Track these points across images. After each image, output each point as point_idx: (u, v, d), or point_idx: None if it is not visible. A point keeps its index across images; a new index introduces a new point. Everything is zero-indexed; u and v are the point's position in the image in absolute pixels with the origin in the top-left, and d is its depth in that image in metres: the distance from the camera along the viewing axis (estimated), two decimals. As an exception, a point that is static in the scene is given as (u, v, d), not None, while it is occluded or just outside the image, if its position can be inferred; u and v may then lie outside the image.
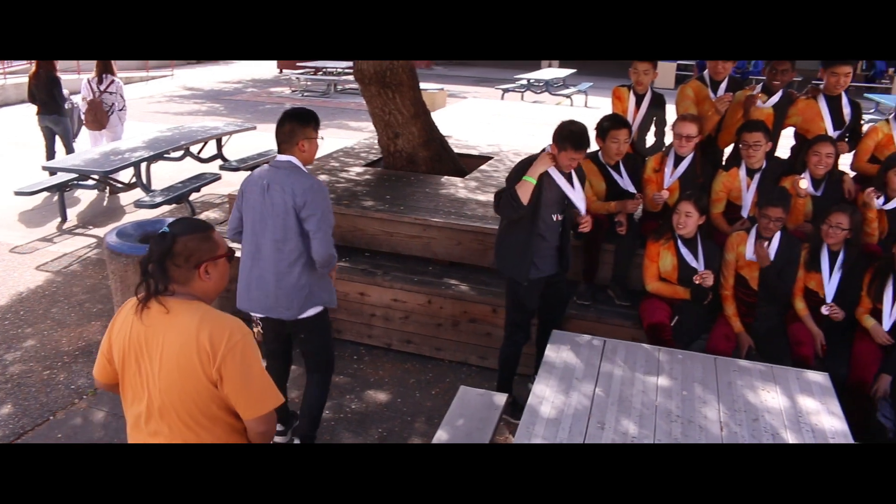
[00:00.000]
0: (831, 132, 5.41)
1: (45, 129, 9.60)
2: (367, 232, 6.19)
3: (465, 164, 7.75)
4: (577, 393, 3.61)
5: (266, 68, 24.09)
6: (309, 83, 19.45)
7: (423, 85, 14.50)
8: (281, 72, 23.18)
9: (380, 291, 5.73)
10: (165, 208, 8.55)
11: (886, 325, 4.60)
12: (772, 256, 4.67)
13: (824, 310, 4.67)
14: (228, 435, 2.51)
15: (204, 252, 2.47)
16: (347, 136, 12.02)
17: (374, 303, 5.77)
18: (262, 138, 11.32)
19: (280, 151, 3.98)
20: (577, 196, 4.55)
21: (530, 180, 4.33)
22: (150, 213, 8.16)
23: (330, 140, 12.19)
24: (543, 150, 4.47)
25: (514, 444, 3.30)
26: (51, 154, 9.67)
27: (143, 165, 8.43)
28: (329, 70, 20.20)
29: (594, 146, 5.28)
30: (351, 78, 17.24)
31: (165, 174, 9.69)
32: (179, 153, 9.31)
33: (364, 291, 5.76)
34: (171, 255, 2.42)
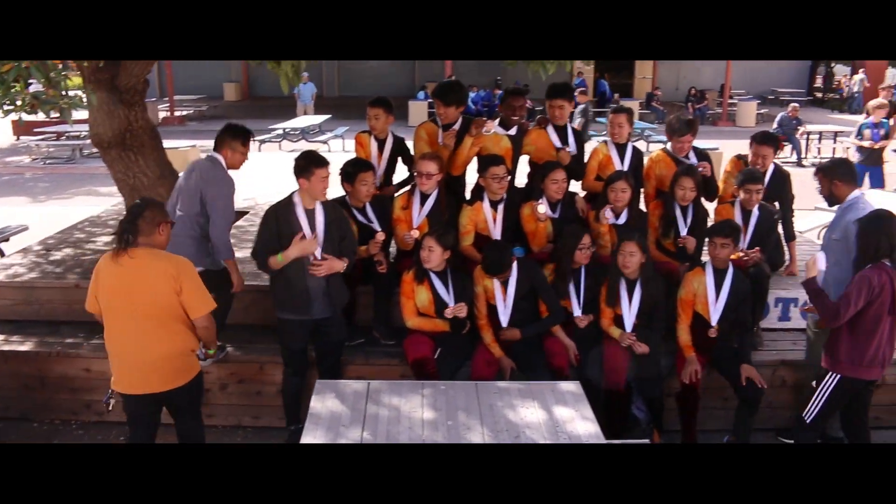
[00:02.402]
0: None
1: None
2: (120, 303, 5.86)
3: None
4: (345, 440, 3.60)
5: (1, 136, 22.19)
6: (52, 149, 18.13)
7: (174, 143, 14.11)
8: (18, 139, 21.36)
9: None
10: None
11: (629, 325, 5.03)
12: (512, 292, 4.98)
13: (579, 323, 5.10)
14: (185, 330, 3.94)
15: (161, 216, 3.98)
16: (98, 204, 11.32)
17: (136, 377, 5.45)
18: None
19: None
20: (311, 236, 4.66)
21: (281, 260, 4.61)
22: None
23: (77, 209, 11.45)
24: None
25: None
26: None
27: None
28: (73, 134, 18.94)
29: (341, 191, 5.38)
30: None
31: None
32: None
33: (123, 367, 5.43)
34: (143, 216, 3.85)
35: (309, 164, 4.60)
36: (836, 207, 4.89)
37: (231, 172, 5.01)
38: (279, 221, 4.66)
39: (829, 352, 4.48)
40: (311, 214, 4.68)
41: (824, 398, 4.49)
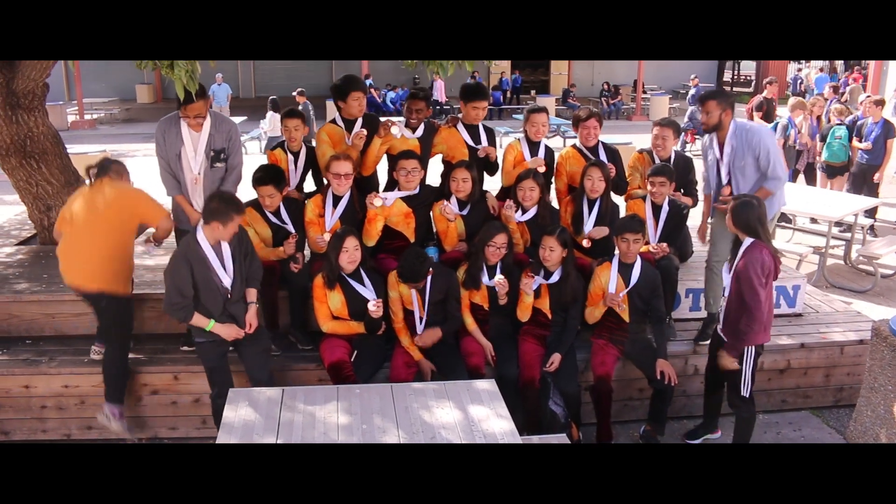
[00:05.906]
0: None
1: None
2: (25, 317, 5.69)
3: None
4: (259, 449, 3.55)
5: None
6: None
7: (84, 147, 13.62)
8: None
9: (47, 380, 5.24)
10: None
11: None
12: (427, 298, 4.98)
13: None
14: (118, 252, 4.90)
15: (125, 171, 5.05)
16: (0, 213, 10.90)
17: (43, 393, 5.26)
18: None
19: None
20: (223, 273, 4.59)
21: (210, 328, 4.59)
22: None
23: (-22, 219, 10.98)
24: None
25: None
26: None
27: None
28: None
29: (253, 194, 5.31)
30: None
31: None
32: None
33: (29, 383, 5.24)
34: (110, 170, 4.88)
35: (229, 210, 4.46)
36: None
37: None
38: (191, 263, 4.50)
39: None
40: (217, 248, 4.56)
41: (751, 370, 4.73)
